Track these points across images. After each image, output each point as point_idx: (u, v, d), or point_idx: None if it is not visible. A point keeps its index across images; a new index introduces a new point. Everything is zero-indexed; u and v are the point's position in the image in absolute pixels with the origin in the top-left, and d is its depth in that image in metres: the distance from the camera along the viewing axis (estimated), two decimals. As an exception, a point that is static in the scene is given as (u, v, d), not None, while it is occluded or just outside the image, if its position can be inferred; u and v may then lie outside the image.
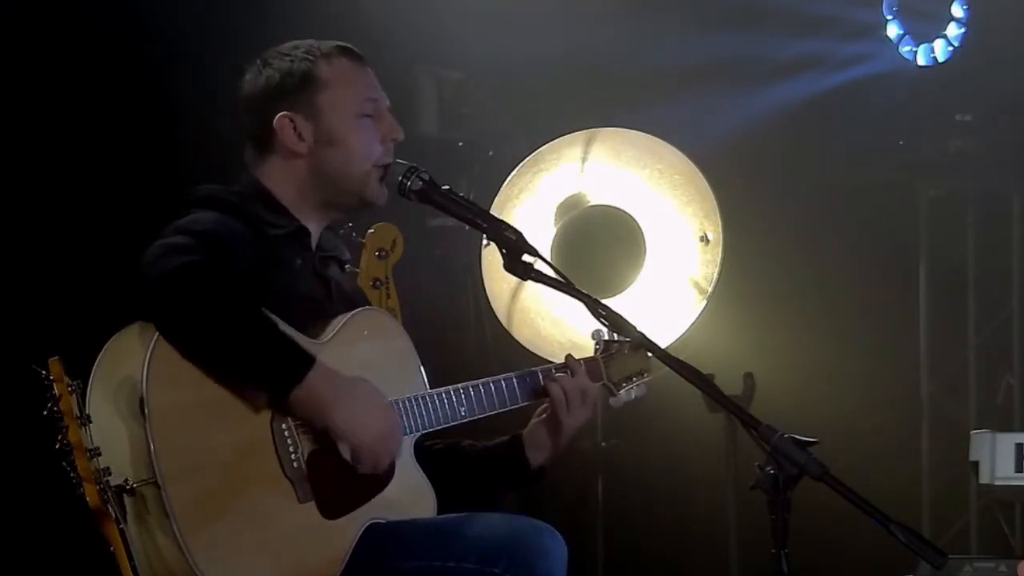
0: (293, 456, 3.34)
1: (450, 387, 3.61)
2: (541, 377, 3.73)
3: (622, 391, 3.87)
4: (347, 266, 3.79)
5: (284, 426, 3.34)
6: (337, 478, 3.40)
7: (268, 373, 3.28)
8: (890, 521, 3.02)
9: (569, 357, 3.80)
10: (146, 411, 3.20)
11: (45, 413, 3.26)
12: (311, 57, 3.60)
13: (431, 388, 3.61)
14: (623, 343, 3.86)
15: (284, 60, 3.61)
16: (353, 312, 3.57)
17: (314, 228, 3.62)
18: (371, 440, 3.37)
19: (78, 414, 3.24)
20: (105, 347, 3.32)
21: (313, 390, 3.29)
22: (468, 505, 3.64)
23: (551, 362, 3.89)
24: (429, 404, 3.57)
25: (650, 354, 3.25)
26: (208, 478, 3.26)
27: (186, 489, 3.22)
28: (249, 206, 3.53)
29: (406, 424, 3.52)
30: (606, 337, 3.88)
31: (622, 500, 6.33)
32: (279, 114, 3.57)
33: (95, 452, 3.23)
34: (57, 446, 3.26)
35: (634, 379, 3.89)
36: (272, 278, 3.43)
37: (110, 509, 3.22)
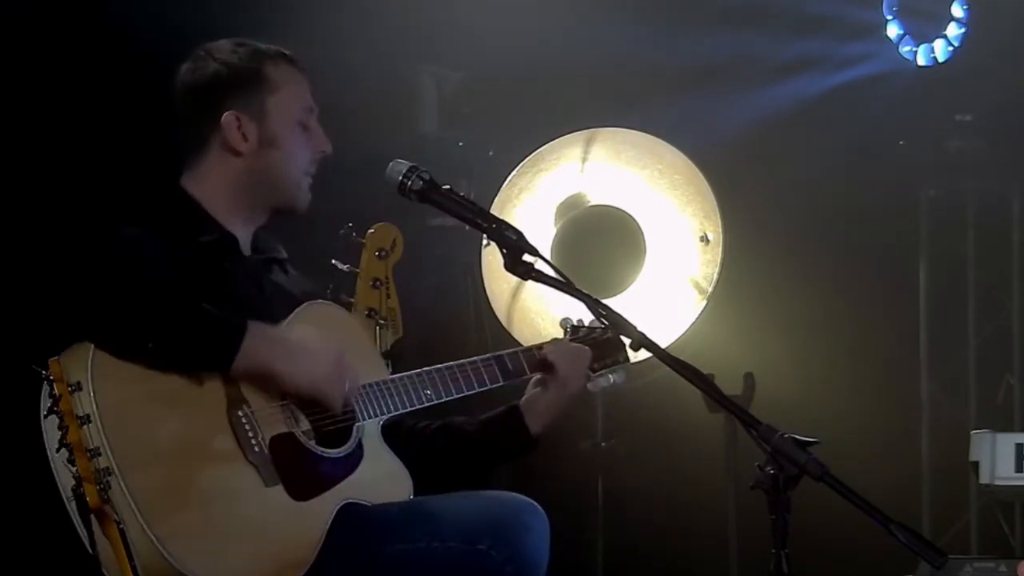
0: (254, 441, 3.37)
1: (413, 372, 3.66)
2: (507, 358, 3.79)
3: (600, 377, 3.91)
4: (347, 266, 3.81)
5: (241, 413, 3.37)
6: (302, 461, 3.43)
7: (205, 352, 3.31)
8: (890, 521, 3.02)
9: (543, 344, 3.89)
10: (94, 407, 3.21)
11: (45, 413, 3.27)
12: (259, 57, 3.65)
13: (405, 372, 3.65)
14: (592, 329, 3.95)
15: (231, 56, 3.65)
16: (303, 305, 3.61)
17: (241, 234, 3.66)
18: (321, 379, 3.42)
19: (78, 414, 3.24)
20: (62, 355, 3.31)
21: (252, 354, 3.33)
22: (462, 484, 3.67)
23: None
24: (392, 388, 3.61)
25: (649, 354, 3.26)
26: (168, 467, 3.27)
27: (146, 479, 3.23)
28: (174, 216, 3.57)
29: (371, 409, 3.57)
30: (574, 323, 3.96)
31: (622, 500, 6.33)
32: (227, 112, 3.60)
33: (95, 452, 3.23)
34: (57, 446, 3.26)
35: (609, 362, 3.94)
36: (202, 285, 3.45)
37: (110, 509, 3.22)
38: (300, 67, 3.70)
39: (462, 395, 3.71)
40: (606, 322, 3.33)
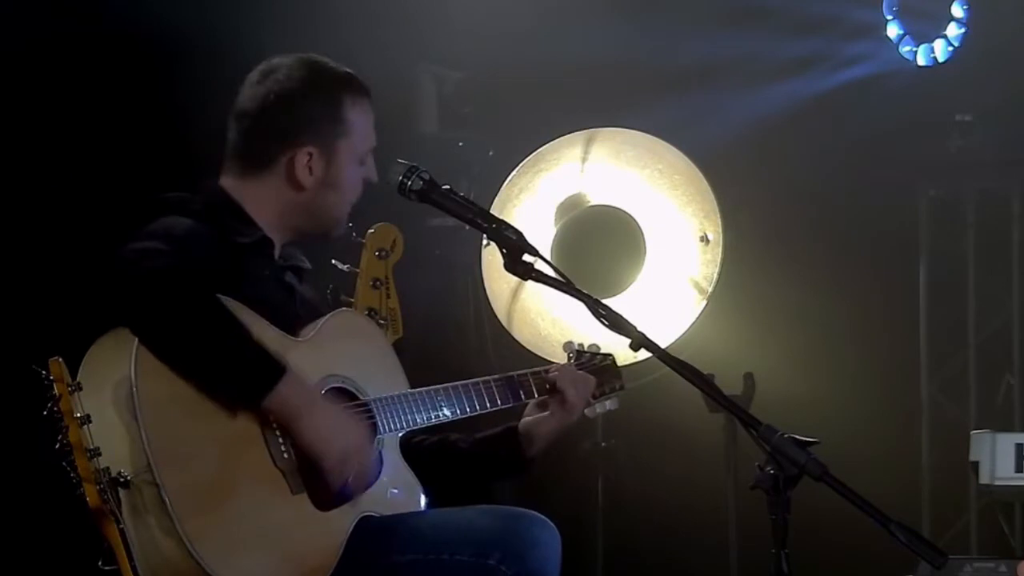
0: (283, 448, 3.37)
1: (433, 387, 3.68)
2: (517, 380, 3.80)
3: (596, 403, 3.93)
4: (347, 266, 3.82)
5: (272, 419, 3.36)
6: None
7: (239, 380, 3.30)
8: (890, 521, 3.02)
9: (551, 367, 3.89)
10: (136, 403, 3.22)
11: (45, 413, 3.27)
12: (339, 91, 3.63)
13: (425, 388, 3.67)
14: (594, 355, 3.97)
15: (312, 86, 3.62)
16: (332, 313, 3.63)
17: (278, 242, 3.66)
18: (337, 456, 3.38)
19: (78, 414, 3.25)
20: (89, 351, 3.34)
21: (283, 399, 3.32)
22: (461, 497, 3.68)
23: (550, 362, 3.93)
24: (411, 403, 3.62)
25: (649, 354, 3.27)
26: (201, 467, 3.28)
27: (180, 478, 3.24)
28: (217, 215, 3.56)
29: (389, 423, 3.58)
30: (577, 348, 3.99)
31: (622, 500, 6.33)
32: (303, 147, 3.60)
33: (95, 452, 3.24)
34: (57, 446, 3.26)
35: (607, 390, 3.96)
36: (239, 284, 3.44)
37: (110, 509, 3.23)
38: (369, 99, 3.70)
39: (477, 413, 3.73)
40: (605, 322, 3.33)
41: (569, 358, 3.97)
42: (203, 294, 3.28)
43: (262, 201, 3.62)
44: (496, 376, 3.79)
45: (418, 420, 3.63)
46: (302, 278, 3.76)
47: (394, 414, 3.59)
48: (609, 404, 3.97)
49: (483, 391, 3.73)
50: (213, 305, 3.28)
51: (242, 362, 3.29)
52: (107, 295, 3.27)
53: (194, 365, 3.27)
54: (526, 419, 3.84)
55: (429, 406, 3.65)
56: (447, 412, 3.67)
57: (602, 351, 3.98)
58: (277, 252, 3.67)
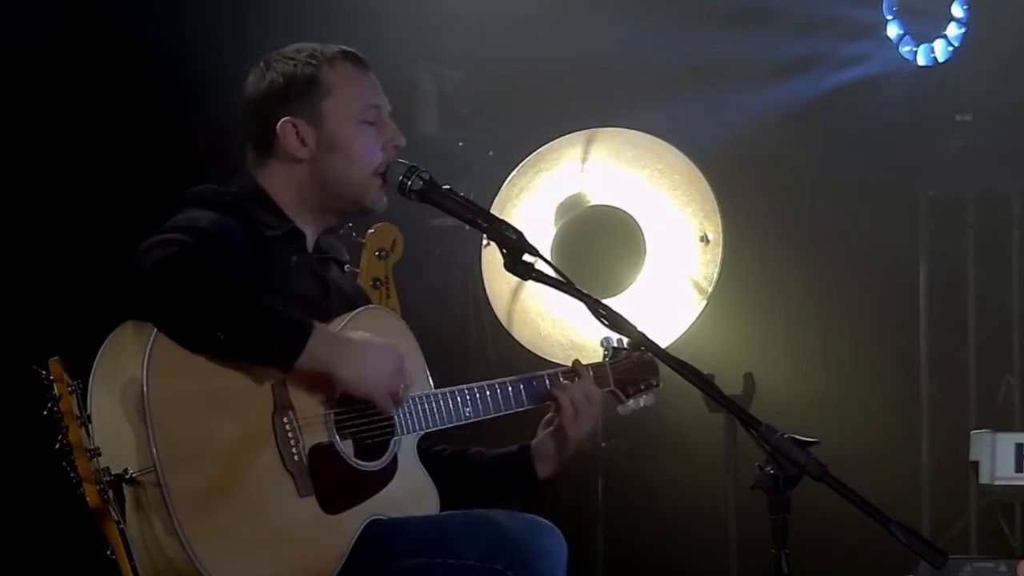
0: (294, 450, 3.36)
1: (455, 388, 3.65)
2: (548, 382, 3.76)
3: (631, 400, 3.90)
4: (347, 266, 3.81)
5: (286, 420, 3.36)
6: (338, 473, 3.43)
7: (270, 347, 3.30)
8: (890, 521, 3.02)
9: (576, 363, 3.84)
10: (146, 400, 3.22)
11: (45, 413, 3.27)
12: (314, 61, 3.60)
13: (446, 388, 3.65)
14: (632, 351, 3.90)
15: (288, 63, 3.61)
16: (360, 309, 3.60)
17: (310, 231, 3.64)
18: (383, 386, 3.42)
19: (78, 414, 3.25)
20: (105, 343, 3.34)
21: (316, 355, 3.32)
22: (472, 506, 3.66)
23: (551, 362, 3.93)
24: (434, 404, 3.61)
25: (651, 354, 3.26)
26: (207, 468, 3.28)
27: (184, 478, 3.24)
28: (244, 207, 3.55)
29: (411, 423, 3.56)
30: (615, 344, 3.92)
31: (622, 500, 6.33)
32: (282, 119, 3.58)
33: (95, 452, 3.23)
34: (57, 446, 3.27)
35: (643, 387, 3.92)
36: (267, 277, 3.44)
37: (110, 509, 3.23)
38: (361, 64, 3.65)
39: (499, 414, 3.70)
40: (606, 322, 3.32)
41: (605, 355, 3.93)
42: (218, 272, 3.27)
43: (281, 187, 3.60)
44: (523, 375, 3.75)
45: (439, 421, 3.61)
46: (343, 270, 3.74)
47: (414, 414, 3.57)
48: (644, 400, 3.93)
49: (509, 392, 3.70)
50: (230, 281, 3.27)
51: (268, 329, 3.29)
52: (125, 288, 3.27)
53: (221, 343, 3.27)
54: (536, 440, 3.80)
55: (451, 406, 3.62)
56: (469, 412, 3.64)
57: (639, 348, 3.87)
58: (311, 243, 3.65)
